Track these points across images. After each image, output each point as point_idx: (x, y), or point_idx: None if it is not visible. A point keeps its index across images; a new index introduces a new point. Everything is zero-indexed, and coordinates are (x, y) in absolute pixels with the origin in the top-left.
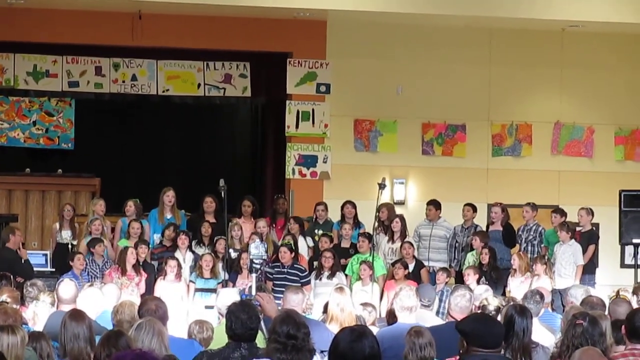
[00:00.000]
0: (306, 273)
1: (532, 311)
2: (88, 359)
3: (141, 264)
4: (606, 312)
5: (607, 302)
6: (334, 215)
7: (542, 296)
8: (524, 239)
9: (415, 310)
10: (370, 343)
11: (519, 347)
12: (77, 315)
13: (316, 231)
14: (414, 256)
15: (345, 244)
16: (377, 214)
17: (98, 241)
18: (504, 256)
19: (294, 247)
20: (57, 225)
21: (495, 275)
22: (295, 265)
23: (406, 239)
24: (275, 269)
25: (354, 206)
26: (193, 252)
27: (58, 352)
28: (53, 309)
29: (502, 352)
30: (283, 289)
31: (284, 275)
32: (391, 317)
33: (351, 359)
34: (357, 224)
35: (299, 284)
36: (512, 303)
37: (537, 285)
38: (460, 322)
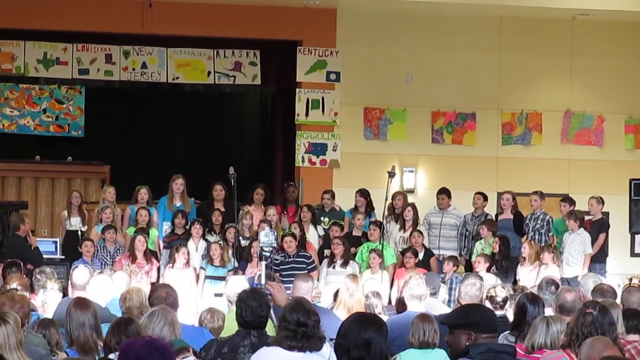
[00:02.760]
0: (312, 260)
1: (547, 301)
2: (94, 346)
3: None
4: (618, 301)
5: (618, 291)
6: (344, 204)
7: (557, 286)
8: (531, 228)
9: (424, 299)
10: (379, 329)
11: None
12: (82, 303)
13: (322, 219)
14: (423, 244)
15: (357, 232)
16: (391, 201)
17: (110, 228)
18: (516, 245)
19: (298, 236)
20: (66, 212)
21: (506, 264)
22: (300, 253)
23: (417, 228)
24: (282, 259)
25: (365, 195)
26: (206, 240)
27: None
28: (61, 295)
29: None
30: (290, 278)
31: (291, 265)
32: (401, 305)
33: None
34: (368, 212)
35: (306, 272)
36: (523, 292)
37: (546, 274)
38: (460, 315)
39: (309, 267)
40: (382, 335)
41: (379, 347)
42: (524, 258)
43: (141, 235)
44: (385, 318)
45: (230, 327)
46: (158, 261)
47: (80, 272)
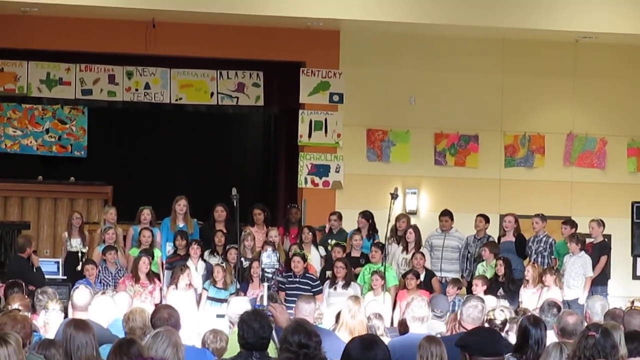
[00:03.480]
0: (318, 282)
1: (549, 324)
2: None
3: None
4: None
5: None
6: (347, 225)
7: (559, 309)
8: (534, 250)
9: (427, 321)
10: (382, 351)
11: (533, 358)
12: (81, 324)
13: (329, 241)
14: (424, 266)
15: (356, 253)
16: (395, 223)
17: (111, 249)
18: (517, 267)
19: (305, 257)
20: (66, 234)
21: (513, 286)
22: (307, 275)
23: (419, 250)
24: (288, 279)
25: (368, 217)
26: (205, 261)
27: None
28: (63, 316)
29: None
30: (295, 299)
31: (296, 285)
32: (403, 327)
33: None
34: (371, 234)
35: (311, 294)
36: (524, 315)
37: (547, 297)
38: (461, 337)
39: (314, 290)
40: (386, 357)
41: None
42: (527, 280)
43: (145, 257)
44: (387, 340)
45: (233, 348)
46: (160, 282)
47: (81, 293)
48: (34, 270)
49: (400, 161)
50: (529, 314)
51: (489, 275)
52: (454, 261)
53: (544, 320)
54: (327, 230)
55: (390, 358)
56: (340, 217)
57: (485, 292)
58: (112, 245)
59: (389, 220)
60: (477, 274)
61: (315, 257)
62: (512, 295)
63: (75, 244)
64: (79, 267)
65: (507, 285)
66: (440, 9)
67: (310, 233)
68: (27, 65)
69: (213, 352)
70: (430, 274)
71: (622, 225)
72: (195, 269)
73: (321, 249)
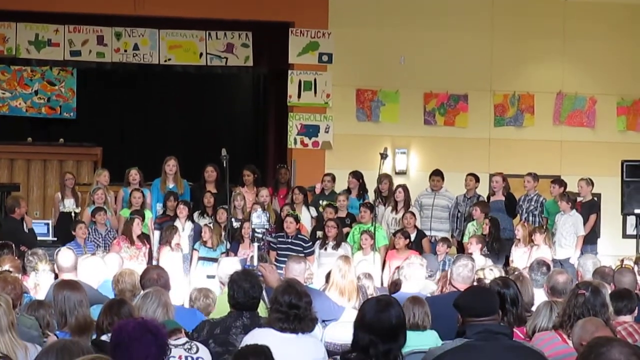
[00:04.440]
0: (310, 243)
1: (538, 282)
2: (90, 322)
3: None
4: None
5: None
6: (336, 185)
7: (548, 267)
8: (524, 209)
9: (421, 282)
10: (397, 313)
11: (514, 319)
12: (72, 284)
13: (321, 202)
14: (415, 226)
15: (342, 213)
16: (378, 185)
17: (100, 210)
18: (507, 226)
19: (297, 217)
20: (59, 194)
21: (498, 246)
22: (299, 236)
23: (409, 209)
24: (279, 239)
25: (358, 176)
26: (193, 221)
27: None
28: (53, 277)
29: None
30: (286, 259)
31: (288, 246)
32: (393, 286)
33: (378, 328)
34: (361, 194)
35: (303, 254)
36: (514, 273)
37: (537, 256)
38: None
39: (306, 251)
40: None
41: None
42: (519, 240)
43: (138, 218)
44: None
45: (222, 308)
46: (150, 243)
47: (64, 255)
48: (27, 231)
49: (389, 121)
50: (497, 277)
51: (479, 234)
52: (443, 220)
53: (534, 279)
54: (317, 191)
55: (405, 319)
56: (333, 178)
57: (481, 252)
58: (101, 207)
59: (377, 181)
60: (467, 233)
61: (306, 218)
62: (496, 254)
63: (69, 204)
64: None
65: (490, 244)
66: None
67: (301, 194)
68: (15, 27)
69: (200, 310)
70: (421, 233)
71: (611, 184)
72: (182, 229)
73: (312, 209)
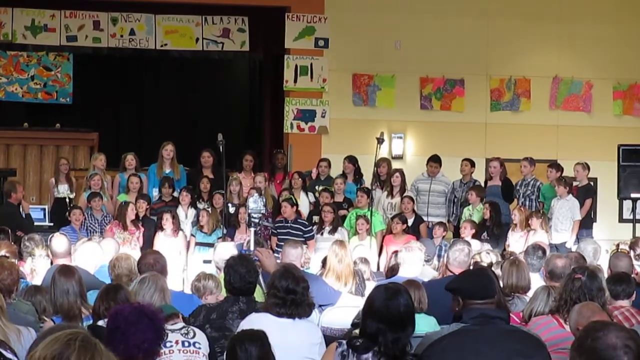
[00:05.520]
0: (310, 228)
1: (534, 266)
2: (78, 313)
3: (140, 218)
4: (605, 266)
5: (606, 257)
6: (332, 170)
7: (544, 251)
8: (521, 194)
9: (419, 268)
10: (405, 301)
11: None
12: (66, 270)
13: (317, 187)
14: (413, 210)
15: (339, 198)
16: (376, 169)
17: (96, 195)
18: (503, 211)
19: (295, 202)
20: (54, 180)
21: (498, 231)
22: (298, 220)
23: (405, 194)
24: (278, 224)
25: (353, 161)
26: (196, 208)
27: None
28: (50, 262)
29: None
30: None
31: (287, 230)
32: (390, 271)
33: (386, 316)
34: (357, 179)
35: (303, 239)
36: (510, 257)
37: (534, 240)
38: (452, 280)
39: (306, 236)
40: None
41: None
42: (515, 224)
43: (132, 203)
44: (373, 284)
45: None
46: (145, 227)
47: (58, 241)
48: (24, 216)
49: (386, 106)
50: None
51: (475, 219)
52: (440, 205)
53: (529, 263)
54: (313, 176)
55: (413, 306)
56: (329, 163)
57: (473, 236)
58: (97, 192)
59: (374, 165)
60: (463, 218)
61: (304, 203)
62: (496, 239)
63: (63, 189)
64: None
65: (491, 229)
66: None
67: (300, 179)
68: (11, 12)
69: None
70: (419, 219)
71: (608, 168)
72: (186, 216)
73: (310, 194)
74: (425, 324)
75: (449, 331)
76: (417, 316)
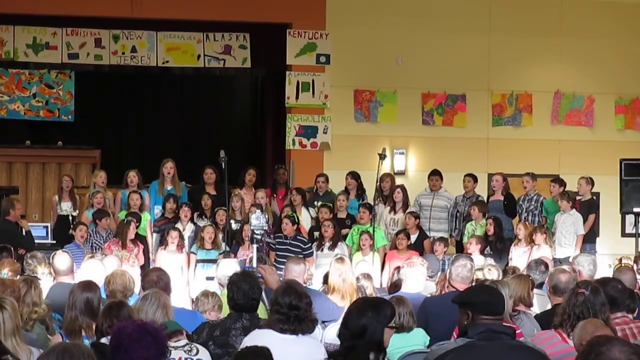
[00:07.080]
0: (309, 245)
1: (537, 281)
2: (79, 329)
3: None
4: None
5: (609, 271)
6: (335, 186)
7: (546, 266)
8: (524, 209)
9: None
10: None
11: None
12: (91, 285)
13: (315, 202)
14: (417, 226)
15: (342, 214)
16: (379, 184)
17: (104, 213)
18: (506, 226)
19: (296, 219)
20: (57, 197)
21: (501, 246)
22: (297, 237)
23: (408, 210)
24: (278, 240)
25: (356, 177)
26: (195, 223)
27: (60, 323)
28: (52, 280)
29: None
30: (285, 260)
31: (286, 247)
32: (393, 288)
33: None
34: (360, 194)
35: (302, 256)
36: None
37: (538, 255)
38: (463, 294)
39: (305, 252)
40: (378, 321)
41: (373, 333)
42: (519, 239)
43: (134, 222)
44: None
45: (222, 310)
46: (144, 245)
47: (61, 259)
48: (24, 234)
49: (387, 121)
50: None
51: (478, 234)
52: (442, 221)
53: (532, 277)
54: (314, 192)
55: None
56: (327, 179)
57: (481, 252)
58: (105, 210)
59: (377, 181)
60: (466, 233)
61: (306, 219)
62: (499, 254)
63: (66, 207)
64: (72, 231)
65: (494, 244)
66: None
67: (299, 195)
68: (13, 30)
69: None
70: (423, 234)
71: (610, 183)
72: (183, 229)
73: (312, 210)
74: (414, 340)
75: (454, 346)
76: (405, 334)
